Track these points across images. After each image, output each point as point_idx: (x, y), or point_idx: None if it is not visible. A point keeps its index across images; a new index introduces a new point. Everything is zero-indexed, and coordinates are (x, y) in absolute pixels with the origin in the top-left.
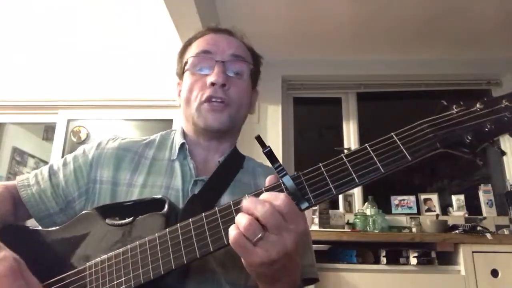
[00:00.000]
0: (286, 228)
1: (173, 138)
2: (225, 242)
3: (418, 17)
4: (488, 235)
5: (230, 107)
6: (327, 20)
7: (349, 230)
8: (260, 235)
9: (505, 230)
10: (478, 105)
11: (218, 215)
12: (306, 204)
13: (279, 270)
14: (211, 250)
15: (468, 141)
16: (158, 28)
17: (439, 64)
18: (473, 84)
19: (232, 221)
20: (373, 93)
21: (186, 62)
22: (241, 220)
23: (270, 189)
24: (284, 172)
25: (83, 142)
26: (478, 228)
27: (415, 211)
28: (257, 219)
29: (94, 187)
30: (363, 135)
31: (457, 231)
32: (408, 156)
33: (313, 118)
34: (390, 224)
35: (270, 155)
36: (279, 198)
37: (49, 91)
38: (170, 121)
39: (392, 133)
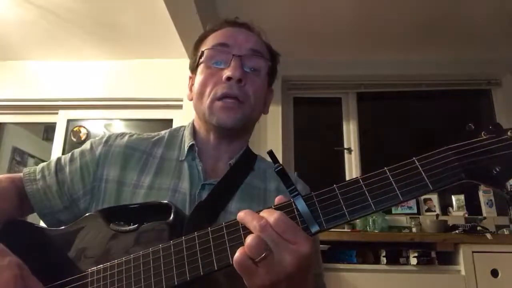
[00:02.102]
0: (286, 247)
1: (182, 136)
2: (231, 262)
3: (418, 17)
4: (488, 235)
5: (244, 105)
6: (327, 20)
7: (349, 230)
8: (263, 254)
9: (505, 230)
10: (509, 133)
11: (225, 231)
12: (316, 228)
13: None
14: (216, 268)
15: (495, 172)
16: (158, 28)
17: (439, 64)
18: (473, 84)
19: (238, 239)
20: (373, 93)
21: (201, 55)
22: (247, 238)
23: (279, 208)
24: (296, 192)
25: (83, 142)
26: (478, 228)
27: (415, 211)
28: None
29: (99, 186)
30: (363, 135)
31: (457, 231)
32: (429, 185)
33: (313, 118)
34: (390, 224)
35: (281, 173)
36: (273, 216)
37: (49, 91)
38: (170, 121)
39: (414, 158)
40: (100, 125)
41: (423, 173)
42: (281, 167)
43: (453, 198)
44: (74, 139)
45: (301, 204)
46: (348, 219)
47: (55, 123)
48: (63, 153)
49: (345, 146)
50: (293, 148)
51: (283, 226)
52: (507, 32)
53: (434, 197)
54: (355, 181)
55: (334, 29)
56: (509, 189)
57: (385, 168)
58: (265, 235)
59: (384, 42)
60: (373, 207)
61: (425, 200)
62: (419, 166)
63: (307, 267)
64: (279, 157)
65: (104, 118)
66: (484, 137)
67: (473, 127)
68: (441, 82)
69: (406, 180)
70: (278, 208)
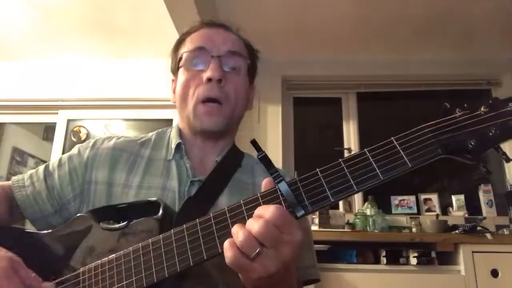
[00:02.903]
0: (283, 240)
1: (169, 136)
2: (219, 251)
3: (418, 17)
4: (488, 235)
5: (225, 106)
6: (327, 20)
7: (349, 230)
8: (258, 250)
9: (505, 230)
10: (482, 109)
11: (213, 221)
12: (302, 212)
13: (277, 282)
14: (205, 258)
15: (471, 146)
16: (157, 28)
17: (439, 64)
18: (473, 84)
19: (226, 228)
20: (373, 93)
21: (181, 58)
22: (238, 234)
23: (265, 195)
24: (280, 178)
25: (83, 142)
26: (478, 228)
27: (415, 211)
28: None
29: (89, 188)
30: (363, 135)
31: (457, 231)
32: (408, 163)
33: (313, 118)
34: (390, 224)
35: (265, 160)
36: (269, 211)
37: (49, 91)
38: (170, 121)
39: (392, 138)
40: (100, 125)
41: (401, 151)
42: (264, 153)
43: (453, 198)
44: (74, 139)
45: (285, 189)
46: (332, 200)
47: (55, 123)
48: (63, 153)
49: (345, 146)
50: (293, 148)
51: (281, 221)
52: (507, 32)
53: (434, 197)
54: (336, 164)
55: (334, 29)
56: (509, 189)
57: (365, 149)
58: (267, 237)
59: (384, 42)
60: (355, 187)
61: (425, 200)
62: (397, 145)
63: (299, 252)
64: (279, 157)
65: (104, 118)
66: (459, 113)
67: (448, 106)
68: (441, 82)
69: (386, 159)
70: (263, 195)
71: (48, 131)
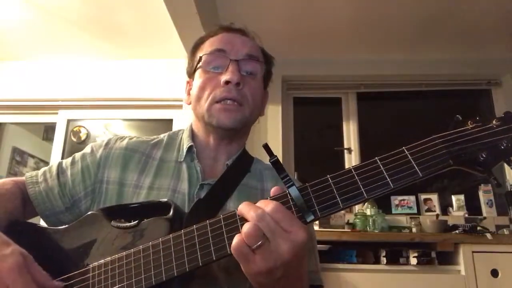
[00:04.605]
0: (282, 235)
1: (181, 138)
2: (228, 252)
3: (418, 17)
4: (488, 235)
5: (243, 107)
6: (327, 20)
7: (349, 230)
8: (260, 242)
9: (505, 230)
10: (494, 122)
11: (223, 223)
12: (311, 217)
13: (278, 280)
14: (214, 259)
15: (482, 158)
16: (157, 28)
17: (439, 64)
18: (473, 84)
19: (236, 230)
20: (373, 93)
21: (199, 60)
22: (245, 226)
23: (275, 199)
24: (291, 183)
25: (83, 142)
26: (478, 228)
27: (415, 211)
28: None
29: (100, 187)
30: (363, 135)
31: (457, 231)
32: (419, 172)
33: (313, 118)
34: (390, 224)
35: (276, 164)
36: (269, 205)
37: (49, 91)
38: (170, 121)
39: (403, 147)
40: (100, 125)
41: (412, 161)
42: (276, 158)
43: (453, 198)
44: (74, 139)
45: (295, 194)
46: (341, 206)
47: (55, 123)
48: (63, 153)
49: (345, 146)
50: (293, 148)
51: (280, 215)
52: (507, 32)
53: (434, 197)
54: (347, 171)
55: (334, 29)
56: (509, 189)
57: (376, 158)
58: (262, 224)
59: (384, 42)
60: (365, 194)
61: (425, 200)
62: (408, 155)
63: (303, 255)
64: (279, 157)
65: (104, 118)
66: (471, 125)
67: (460, 118)
68: (441, 82)
69: (396, 168)
70: (274, 199)
71: (48, 131)
